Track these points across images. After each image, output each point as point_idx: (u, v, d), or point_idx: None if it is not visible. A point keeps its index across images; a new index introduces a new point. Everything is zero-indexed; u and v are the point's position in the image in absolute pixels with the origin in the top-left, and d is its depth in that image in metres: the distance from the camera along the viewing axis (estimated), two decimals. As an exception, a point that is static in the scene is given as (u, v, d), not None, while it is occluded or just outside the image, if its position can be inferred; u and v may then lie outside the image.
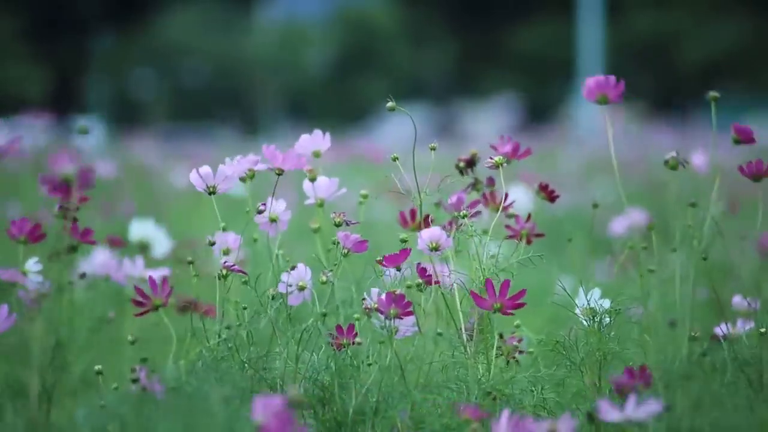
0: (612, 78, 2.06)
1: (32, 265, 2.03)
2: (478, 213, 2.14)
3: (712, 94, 2.00)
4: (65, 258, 1.98)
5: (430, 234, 1.99)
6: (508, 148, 2.15)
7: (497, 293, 1.93)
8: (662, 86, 26.10)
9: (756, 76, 25.44)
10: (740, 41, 26.95)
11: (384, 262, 1.98)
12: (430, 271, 1.99)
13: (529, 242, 2.17)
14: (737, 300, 2.20)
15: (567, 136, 13.79)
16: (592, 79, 2.07)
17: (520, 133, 14.41)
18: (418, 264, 1.99)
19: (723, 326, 2.03)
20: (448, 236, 2.00)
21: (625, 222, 3.67)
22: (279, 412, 1.54)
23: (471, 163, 2.24)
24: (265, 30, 29.26)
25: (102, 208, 5.44)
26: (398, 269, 1.98)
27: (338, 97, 27.89)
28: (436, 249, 1.99)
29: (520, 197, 3.40)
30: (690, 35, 27.18)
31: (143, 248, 2.97)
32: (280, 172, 2.10)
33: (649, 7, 27.84)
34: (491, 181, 2.22)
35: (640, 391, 1.77)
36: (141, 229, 2.99)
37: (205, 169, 2.05)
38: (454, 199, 2.17)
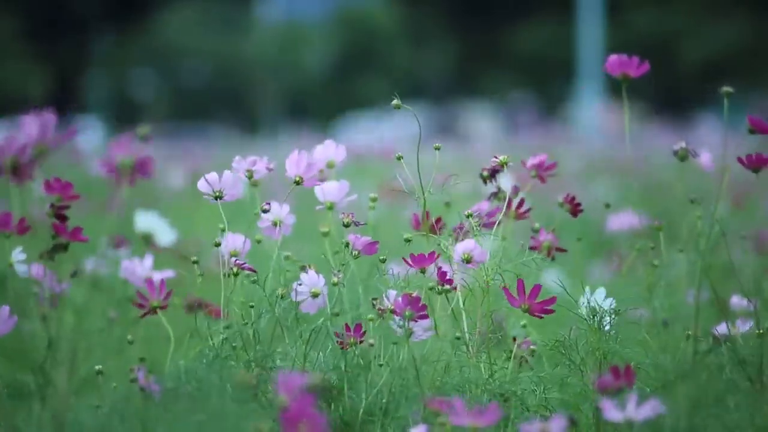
0: (635, 57, 2.09)
1: (17, 254, 2.01)
2: (494, 222, 2.14)
3: (726, 89, 2.00)
4: (55, 257, 1.96)
5: (464, 246, 2.02)
6: (536, 161, 2.21)
7: (527, 294, 1.95)
8: (662, 86, 26.11)
9: (756, 76, 25.44)
10: (740, 41, 26.97)
11: (410, 263, 1.99)
12: (449, 274, 1.99)
13: (549, 255, 2.19)
14: (736, 300, 2.21)
15: (567, 136, 13.79)
16: (615, 56, 2.10)
17: (520, 132, 14.41)
18: (440, 268, 1.99)
19: (723, 326, 2.03)
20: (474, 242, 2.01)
21: (622, 221, 3.66)
22: (301, 395, 1.53)
23: (495, 172, 2.25)
24: (265, 30, 29.27)
25: (101, 208, 5.44)
26: (422, 271, 1.99)
27: (338, 97, 27.89)
28: (468, 261, 2.01)
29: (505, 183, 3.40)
30: (690, 35, 27.20)
31: (147, 239, 2.96)
32: (299, 182, 2.08)
33: (649, 7, 27.86)
34: (516, 190, 2.23)
35: (627, 391, 1.76)
36: (145, 220, 2.99)
37: (212, 176, 2.04)
38: (476, 208, 2.17)
